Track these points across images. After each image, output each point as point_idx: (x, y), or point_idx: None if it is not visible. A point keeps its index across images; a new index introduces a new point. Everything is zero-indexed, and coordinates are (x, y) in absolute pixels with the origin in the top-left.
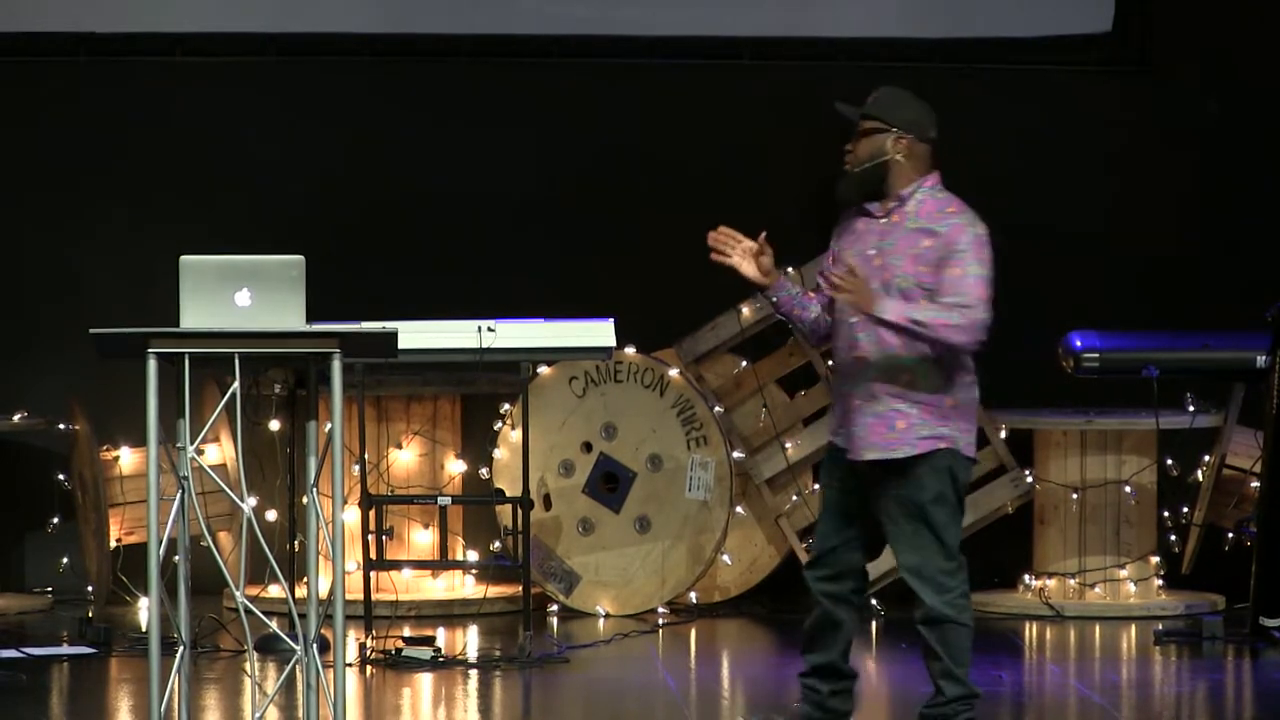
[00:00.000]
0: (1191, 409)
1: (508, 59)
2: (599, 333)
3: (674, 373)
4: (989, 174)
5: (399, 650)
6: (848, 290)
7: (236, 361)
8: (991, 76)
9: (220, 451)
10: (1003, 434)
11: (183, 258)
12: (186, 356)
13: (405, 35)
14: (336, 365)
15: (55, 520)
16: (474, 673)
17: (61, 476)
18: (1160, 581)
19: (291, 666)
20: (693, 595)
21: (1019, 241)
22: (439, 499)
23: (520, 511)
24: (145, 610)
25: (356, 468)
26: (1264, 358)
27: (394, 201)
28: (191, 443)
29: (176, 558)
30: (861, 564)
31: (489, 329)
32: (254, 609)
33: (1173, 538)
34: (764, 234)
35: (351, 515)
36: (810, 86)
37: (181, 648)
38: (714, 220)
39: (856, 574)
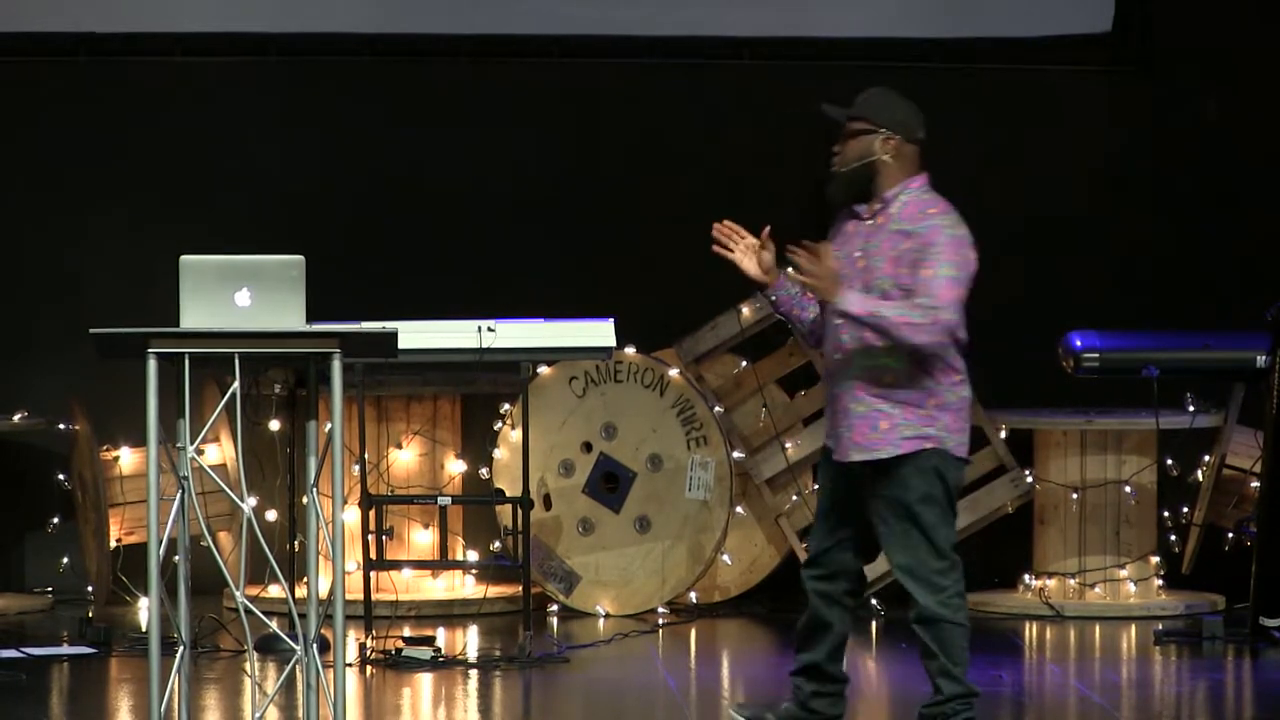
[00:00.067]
0: (1191, 409)
1: (508, 59)
2: (599, 333)
3: (674, 373)
4: (988, 174)
5: (399, 650)
6: (814, 277)
7: (236, 361)
8: (991, 76)
9: (220, 451)
10: (1003, 434)
11: (183, 258)
12: (186, 356)
13: (405, 35)
14: (336, 365)
15: (55, 520)
16: (474, 673)
17: (61, 476)
18: (1160, 581)
19: (291, 666)
20: (693, 595)
21: (1018, 242)
22: (439, 499)
23: (520, 511)
24: (145, 610)
25: (356, 468)
26: (1264, 358)
27: (394, 201)
28: (191, 443)
29: (176, 558)
30: (856, 565)
31: (489, 329)
32: (254, 609)
33: (1173, 538)
34: (767, 229)
35: (351, 515)
36: (810, 86)
37: (181, 648)
38: (714, 220)
39: (851, 575)
